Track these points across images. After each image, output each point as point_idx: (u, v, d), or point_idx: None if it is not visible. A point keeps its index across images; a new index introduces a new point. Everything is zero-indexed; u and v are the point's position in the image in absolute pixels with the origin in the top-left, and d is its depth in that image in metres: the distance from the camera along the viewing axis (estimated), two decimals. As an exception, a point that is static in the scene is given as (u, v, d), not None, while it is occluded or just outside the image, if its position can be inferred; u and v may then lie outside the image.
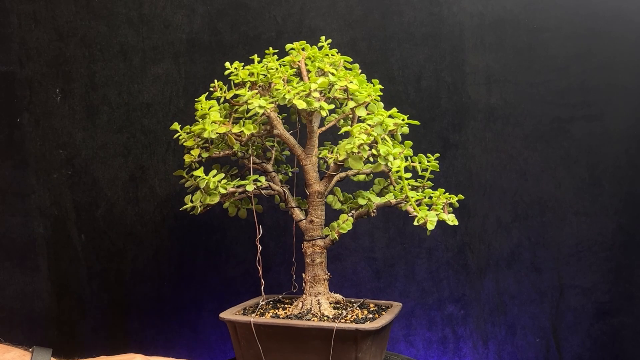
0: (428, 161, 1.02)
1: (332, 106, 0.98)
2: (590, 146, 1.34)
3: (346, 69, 1.03)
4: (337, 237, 1.00)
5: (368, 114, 0.96)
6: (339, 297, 1.04)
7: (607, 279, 1.35)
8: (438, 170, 1.02)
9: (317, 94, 0.95)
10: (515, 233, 1.36)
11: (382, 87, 1.00)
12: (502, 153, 1.35)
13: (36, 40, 1.27)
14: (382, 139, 0.93)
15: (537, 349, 1.37)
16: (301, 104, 0.93)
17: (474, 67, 1.34)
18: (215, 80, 1.03)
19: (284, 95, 0.95)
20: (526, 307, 1.37)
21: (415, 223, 0.93)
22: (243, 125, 0.98)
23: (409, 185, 1.01)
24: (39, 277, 1.30)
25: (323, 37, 1.05)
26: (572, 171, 1.35)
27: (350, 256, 1.36)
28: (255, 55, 1.03)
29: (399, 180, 0.97)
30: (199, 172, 0.98)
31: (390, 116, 0.95)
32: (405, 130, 0.97)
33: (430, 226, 0.92)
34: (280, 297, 1.11)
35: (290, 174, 1.11)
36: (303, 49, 1.03)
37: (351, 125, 0.96)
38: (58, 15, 1.27)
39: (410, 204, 0.94)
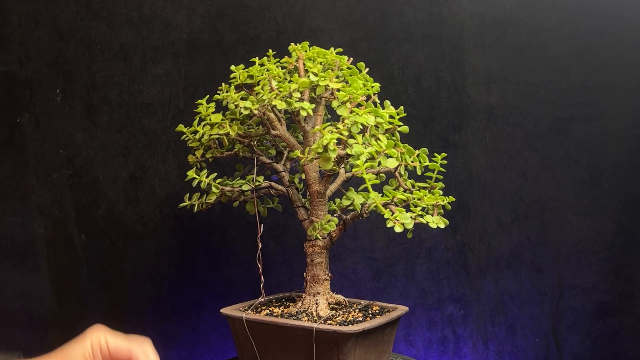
0: (433, 160, 0.98)
1: (313, 106, 0.97)
2: (590, 146, 1.34)
3: (358, 68, 1.02)
4: (320, 237, 0.99)
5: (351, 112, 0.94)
6: (340, 297, 1.03)
7: (607, 279, 1.35)
8: (442, 169, 1.01)
9: (298, 94, 0.94)
10: (515, 233, 1.36)
11: (380, 86, 1.00)
12: (502, 153, 1.35)
13: (36, 40, 1.27)
14: (376, 139, 0.91)
15: (537, 349, 1.37)
16: (281, 105, 0.93)
17: (474, 67, 1.34)
18: (223, 84, 1.04)
19: (263, 96, 0.95)
20: (526, 307, 1.36)
21: (387, 225, 0.88)
22: (230, 127, 0.99)
23: (415, 186, 0.99)
24: (39, 277, 1.30)
25: (340, 50, 1.04)
26: (572, 171, 1.35)
27: (350, 256, 1.36)
28: (257, 57, 1.03)
29: (378, 181, 0.94)
30: (192, 173, 1.01)
31: (395, 114, 0.94)
32: (405, 129, 0.96)
33: (398, 229, 0.87)
34: (291, 294, 1.11)
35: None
36: (305, 50, 1.03)
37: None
38: (58, 15, 1.27)
39: (376, 205, 0.88)
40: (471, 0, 1.32)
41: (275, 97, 0.94)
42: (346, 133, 0.89)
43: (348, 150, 0.88)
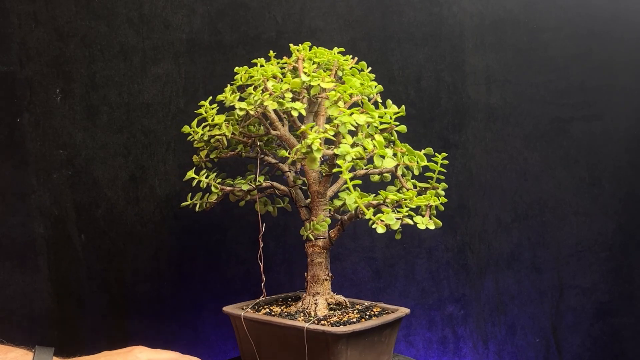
0: (432, 161, 0.98)
1: (305, 105, 0.97)
2: (590, 146, 1.34)
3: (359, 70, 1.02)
4: (312, 238, 0.99)
5: (362, 112, 0.94)
6: (340, 298, 1.03)
7: (607, 279, 1.35)
8: (441, 169, 1.01)
9: (290, 95, 0.94)
10: (515, 233, 1.36)
11: (381, 87, 1.00)
12: (502, 153, 1.35)
13: (36, 40, 1.27)
14: (372, 139, 0.91)
15: (537, 349, 1.37)
16: (273, 105, 0.94)
17: (474, 67, 1.34)
18: (229, 85, 1.04)
19: (255, 97, 0.95)
20: (526, 307, 1.37)
21: (371, 225, 0.87)
22: (226, 127, 1.00)
23: (414, 186, 0.99)
24: (39, 277, 1.30)
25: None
26: (572, 171, 1.35)
27: (350, 256, 1.36)
28: (262, 59, 1.03)
29: (390, 180, 0.96)
30: (191, 173, 1.03)
31: (392, 114, 0.94)
32: (402, 128, 0.96)
33: (380, 230, 0.86)
34: (297, 294, 1.11)
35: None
36: (298, 50, 1.03)
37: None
38: (58, 15, 1.27)
39: (359, 207, 0.89)
40: (471, 0, 1.32)
41: (267, 98, 0.94)
42: (332, 133, 0.89)
43: (335, 150, 0.89)
